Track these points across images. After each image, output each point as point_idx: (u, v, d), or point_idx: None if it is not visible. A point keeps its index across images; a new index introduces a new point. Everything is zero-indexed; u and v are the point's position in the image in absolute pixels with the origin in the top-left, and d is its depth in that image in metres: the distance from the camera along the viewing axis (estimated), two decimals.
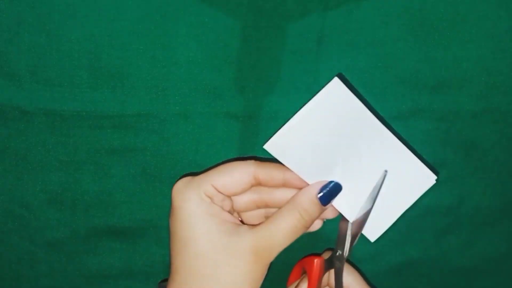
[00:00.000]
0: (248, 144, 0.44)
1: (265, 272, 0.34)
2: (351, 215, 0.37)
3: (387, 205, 0.37)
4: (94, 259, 0.47)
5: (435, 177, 0.37)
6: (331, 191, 0.35)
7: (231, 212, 0.36)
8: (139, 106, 0.42)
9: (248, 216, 0.38)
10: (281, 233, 0.33)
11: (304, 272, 0.40)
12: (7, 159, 0.43)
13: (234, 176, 0.35)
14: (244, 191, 0.35)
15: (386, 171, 0.36)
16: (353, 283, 0.39)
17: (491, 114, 0.46)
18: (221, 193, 0.35)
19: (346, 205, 0.37)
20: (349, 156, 0.36)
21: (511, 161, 0.48)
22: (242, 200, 0.37)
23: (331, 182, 0.35)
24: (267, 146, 0.35)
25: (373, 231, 0.38)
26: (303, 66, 0.42)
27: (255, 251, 0.32)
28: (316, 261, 0.37)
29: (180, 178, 0.36)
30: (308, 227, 0.35)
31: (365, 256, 0.48)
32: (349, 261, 0.41)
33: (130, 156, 0.44)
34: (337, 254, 0.38)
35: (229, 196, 0.36)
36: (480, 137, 0.46)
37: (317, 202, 0.34)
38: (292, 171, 0.35)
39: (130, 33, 0.41)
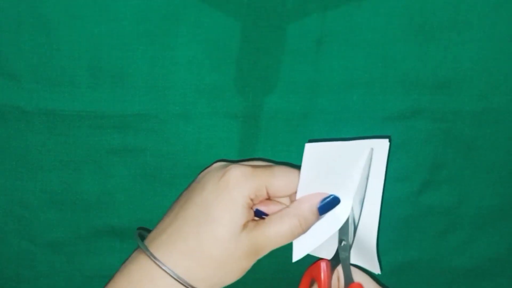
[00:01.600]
0: (248, 144, 0.44)
1: (250, 266, 0.36)
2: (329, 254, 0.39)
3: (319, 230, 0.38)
4: (94, 259, 0.47)
5: (379, 272, 0.40)
6: (330, 203, 0.37)
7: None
8: (139, 106, 0.42)
9: None
10: (279, 236, 0.35)
11: (312, 282, 0.41)
12: (7, 159, 0.43)
13: (288, 184, 0.36)
14: (289, 194, 0.37)
15: (372, 149, 0.37)
16: (364, 283, 0.39)
17: (491, 114, 0.46)
18: (269, 194, 0.36)
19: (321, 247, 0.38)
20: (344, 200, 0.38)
21: (511, 161, 0.48)
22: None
23: (331, 195, 0.37)
24: (308, 145, 0.35)
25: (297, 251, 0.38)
26: (303, 66, 0.42)
27: (254, 247, 0.35)
28: (323, 264, 0.39)
29: (240, 164, 0.36)
30: (303, 234, 0.36)
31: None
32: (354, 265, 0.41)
33: (130, 156, 0.44)
34: (342, 244, 0.39)
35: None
36: (480, 137, 0.46)
37: (317, 212, 0.36)
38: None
39: (130, 33, 0.40)
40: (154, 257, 0.34)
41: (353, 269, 0.40)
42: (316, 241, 0.38)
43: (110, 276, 0.48)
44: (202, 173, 0.38)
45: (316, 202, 0.36)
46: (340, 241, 0.39)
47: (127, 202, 0.46)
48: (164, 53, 0.41)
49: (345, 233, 0.39)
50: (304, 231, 0.36)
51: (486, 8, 0.43)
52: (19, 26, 0.40)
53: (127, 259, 0.36)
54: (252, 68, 0.42)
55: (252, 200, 0.35)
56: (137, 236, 0.36)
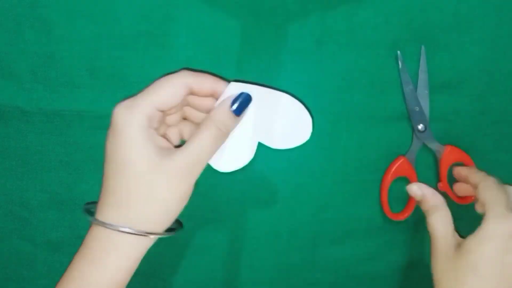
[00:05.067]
0: None
1: (192, 187, 0.36)
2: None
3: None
4: None
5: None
6: (242, 101, 0.38)
7: (165, 137, 0.39)
8: None
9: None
10: (204, 146, 0.36)
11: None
12: (7, 159, 0.43)
13: (172, 89, 0.36)
14: (180, 101, 0.37)
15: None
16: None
17: (491, 114, 0.46)
18: (161, 110, 0.36)
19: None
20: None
21: (511, 161, 0.48)
22: (173, 119, 0.39)
23: (241, 93, 0.38)
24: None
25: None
26: (303, 66, 0.42)
27: (185, 168, 0.35)
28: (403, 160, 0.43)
29: (121, 101, 0.36)
30: (226, 138, 0.37)
31: (365, 256, 0.47)
32: None
33: None
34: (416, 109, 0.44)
35: (166, 114, 0.37)
36: (480, 137, 0.46)
37: (231, 113, 0.37)
38: (222, 82, 0.38)
39: (130, 33, 0.41)
40: (102, 222, 0.35)
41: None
42: (230, 166, 0.40)
43: None
44: None
45: (228, 104, 0.37)
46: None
47: None
48: (164, 53, 0.41)
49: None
50: (226, 134, 0.37)
51: (486, 9, 0.43)
52: (19, 26, 0.40)
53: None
54: (252, 68, 0.42)
55: (150, 124, 0.35)
56: (83, 211, 0.37)
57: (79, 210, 0.45)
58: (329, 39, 0.42)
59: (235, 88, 0.38)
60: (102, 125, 0.43)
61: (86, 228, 0.46)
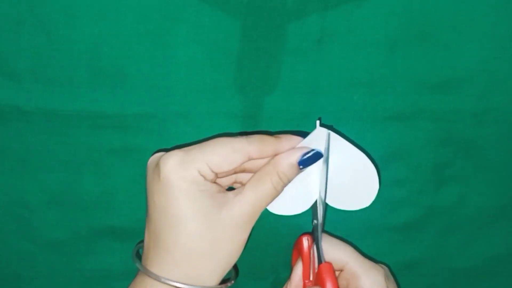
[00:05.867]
0: None
1: (248, 235, 0.36)
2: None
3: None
4: (94, 259, 0.47)
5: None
6: (311, 158, 0.37)
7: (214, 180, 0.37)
8: (139, 106, 0.42)
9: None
10: (264, 195, 0.35)
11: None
12: (7, 159, 0.43)
13: (229, 155, 0.35)
14: (235, 169, 0.36)
15: (329, 132, 0.38)
16: (344, 256, 0.40)
17: (491, 114, 0.46)
18: (213, 171, 0.35)
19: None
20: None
21: (511, 161, 0.48)
22: (223, 182, 0.38)
23: (312, 150, 0.37)
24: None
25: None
26: (303, 66, 0.42)
27: (245, 218, 0.34)
28: (304, 239, 0.41)
29: (168, 152, 0.35)
30: (284, 187, 0.37)
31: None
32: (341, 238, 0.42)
33: (130, 156, 0.44)
34: (314, 224, 0.40)
35: (217, 176, 0.36)
36: (481, 137, 0.46)
37: (297, 166, 0.36)
38: (283, 142, 0.37)
39: (130, 33, 0.40)
40: (158, 276, 0.34)
41: (338, 249, 0.40)
42: (288, 210, 0.39)
43: (110, 276, 0.48)
44: (147, 172, 0.37)
45: (295, 158, 0.36)
46: (312, 222, 0.40)
47: (127, 202, 0.46)
48: (164, 53, 0.41)
49: (315, 213, 0.40)
50: (286, 185, 0.36)
51: (486, 8, 0.43)
52: (19, 26, 0.40)
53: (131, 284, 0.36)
54: (252, 68, 0.42)
55: (204, 176, 0.34)
56: (135, 257, 0.36)
57: (79, 210, 0.45)
58: (329, 38, 0.42)
59: (321, 134, 0.37)
60: (102, 125, 0.43)
61: (86, 228, 0.46)
